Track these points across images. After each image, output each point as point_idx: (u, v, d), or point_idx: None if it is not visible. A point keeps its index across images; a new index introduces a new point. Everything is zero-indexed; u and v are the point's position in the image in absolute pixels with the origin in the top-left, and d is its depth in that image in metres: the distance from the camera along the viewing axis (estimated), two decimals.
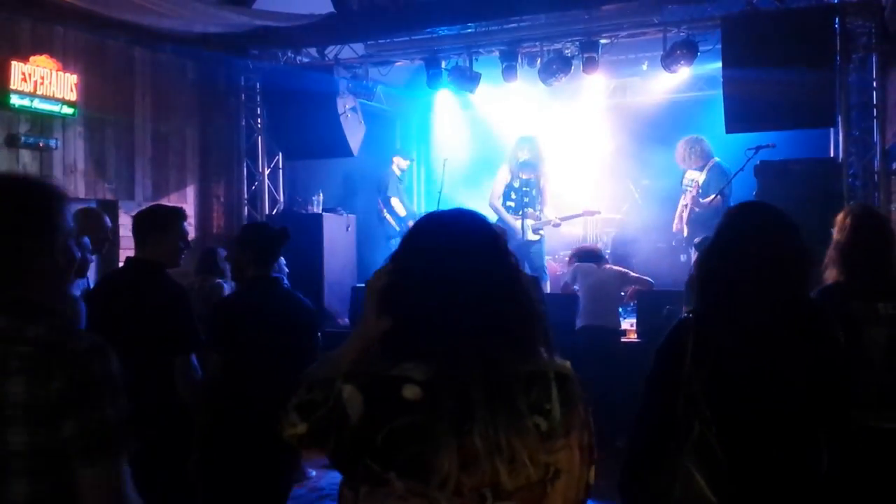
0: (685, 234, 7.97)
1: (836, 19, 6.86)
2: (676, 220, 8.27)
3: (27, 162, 6.85)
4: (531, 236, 8.19)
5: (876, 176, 6.89)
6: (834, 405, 2.09)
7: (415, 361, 1.38)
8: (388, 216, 9.49)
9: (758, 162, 7.09)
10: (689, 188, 7.97)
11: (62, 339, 1.63)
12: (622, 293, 7.07)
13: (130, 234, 3.75)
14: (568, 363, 1.50)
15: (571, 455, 1.43)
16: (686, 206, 7.97)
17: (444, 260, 1.46)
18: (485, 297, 1.43)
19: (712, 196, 7.59)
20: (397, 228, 9.29)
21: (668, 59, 7.48)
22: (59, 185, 1.84)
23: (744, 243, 2.15)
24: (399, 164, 9.57)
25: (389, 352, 1.45)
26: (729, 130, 7.23)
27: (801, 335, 2.07)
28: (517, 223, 8.19)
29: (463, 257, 1.46)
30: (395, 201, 9.32)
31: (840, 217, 3.07)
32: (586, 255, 6.93)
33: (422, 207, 10.93)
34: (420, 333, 1.42)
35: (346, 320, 7.96)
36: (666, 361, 2.12)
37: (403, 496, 1.32)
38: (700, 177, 7.88)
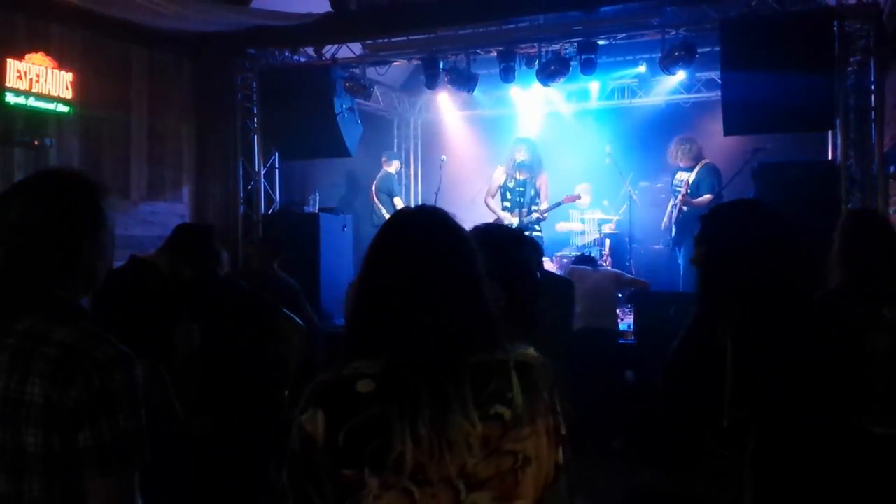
0: (673, 233, 8.01)
1: (835, 22, 6.85)
2: (666, 219, 8.31)
3: (22, 160, 6.80)
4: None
5: (874, 179, 6.88)
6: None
7: (365, 359, 1.39)
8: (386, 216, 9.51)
9: (756, 164, 7.10)
10: (678, 188, 7.98)
11: (89, 346, 1.60)
12: (619, 294, 7.09)
13: (126, 232, 3.73)
14: (531, 349, 1.50)
15: (539, 441, 1.44)
16: (675, 205, 7.99)
17: (398, 259, 1.46)
18: (440, 296, 1.43)
19: (705, 196, 7.60)
20: None
21: (667, 61, 7.48)
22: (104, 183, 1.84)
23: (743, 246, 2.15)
24: (395, 166, 9.56)
25: (342, 355, 1.45)
26: (727, 133, 7.23)
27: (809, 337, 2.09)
28: (514, 219, 8.20)
29: (415, 252, 1.46)
30: (397, 200, 9.34)
31: (841, 221, 3.05)
32: (580, 260, 7.06)
33: None
34: (371, 332, 1.43)
35: (342, 320, 7.94)
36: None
37: (378, 494, 1.32)
38: (690, 177, 7.90)
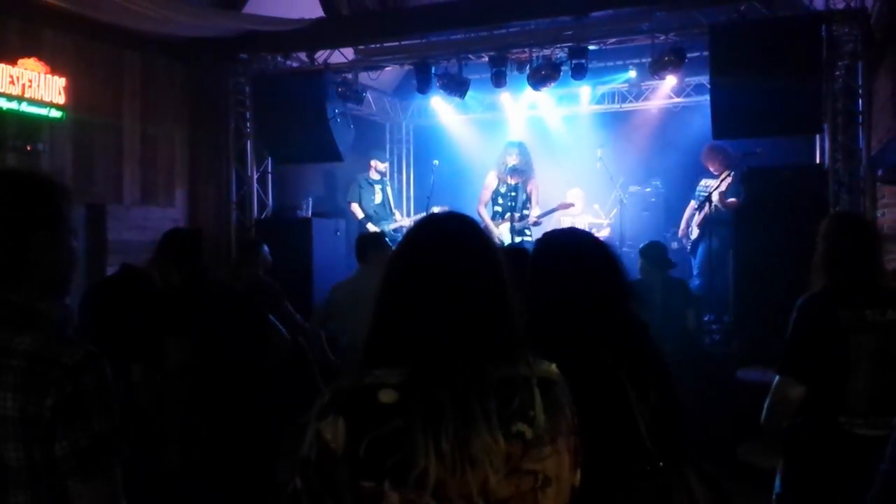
0: (693, 236, 8.06)
1: (823, 27, 6.91)
2: (683, 225, 8.33)
3: (14, 166, 6.80)
4: (516, 239, 8.21)
5: (861, 182, 6.94)
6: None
7: (387, 367, 1.35)
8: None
9: (745, 168, 7.15)
10: (703, 193, 7.99)
11: (56, 352, 1.58)
12: None
13: (119, 238, 3.76)
14: (553, 366, 1.47)
15: (560, 461, 1.41)
16: (696, 210, 8.00)
17: (423, 266, 1.43)
18: (464, 303, 1.40)
19: (731, 199, 7.65)
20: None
21: (656, 66, 7.53)
22: (64, 183, 1.79)
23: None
24: (376, 166, 9.49)
25: (362, 362, 1.41)
26: (716, 137, 7.28)
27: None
28: (500, 228, 8.23)
29: (444, 261, 1.42)
30: (354, 206, 9.30)
31: (824, 224, 3.09)
32: None
33: (411, 212, 10.94)
34: (394, 340, 1.39)
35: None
36: None
37: None
38: (718, 184, 7.90)
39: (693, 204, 8.24)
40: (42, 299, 1.71)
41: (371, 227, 8.92)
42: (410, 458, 1.27)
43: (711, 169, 8.06)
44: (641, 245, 6.25)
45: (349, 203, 9.30)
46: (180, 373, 3.52)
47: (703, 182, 8.07)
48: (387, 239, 6.50)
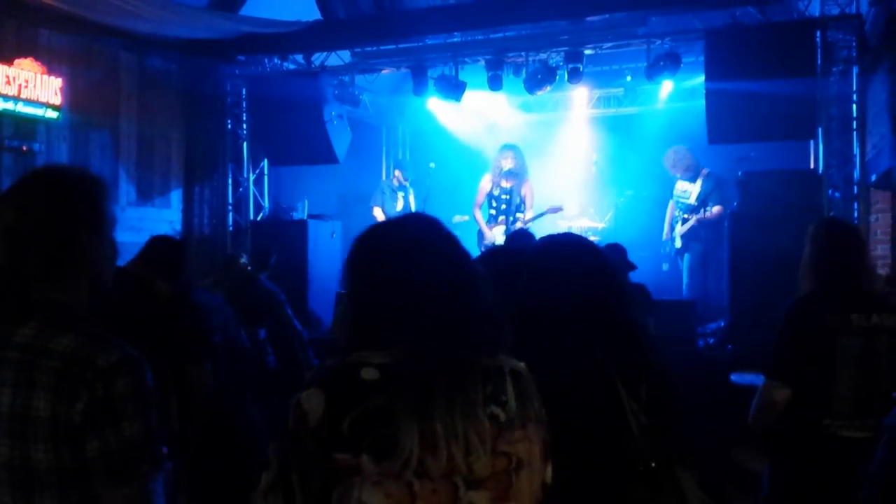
0: (677, 245, 8.03)
1: (818, 32, 6.94)
2: (667, 229, 8.34)
3: (10, 166, 6.81)
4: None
5: (856, 187, 6.97)
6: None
7: (375, 349, 1.42)
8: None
9: (739, 173, 7.17)
10: (682, 199, 8.01)
11: (92, 353, 1.56)
12: None
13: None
14: (522, 364, 1.53)
15: (531, 448, 1.47)
16: (678, 215, 8.02)
17: (404, 263, 1.49)
18: (445, 299, 1.46)
19: (716, 208, 7.65)
20: None
21: (652, 71, 7.56)
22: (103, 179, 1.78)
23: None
24: (399, 175, 9.56)
25: (348, 346, 1.47)
26: (711, 141, 7.31)
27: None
28: (493, 231, 8.25)
29: (422, 260, 1.50)
30: (376, 210, 9.34)
31: (812, 229, 3.11)
32: None
33: None
34: (380, 329, 1.45)
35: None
36: None
37: (378, 480, 1.33)
38: (694, 188, 7.93)
39: (672, 205, 8.25)
40: (89, 297, 1.70)
41: None
42: (393, 435, 1.32)
43: (680, 174, 8.06)
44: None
45: (372, 207, 9.35)
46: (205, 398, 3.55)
47: (680, 186, 8.08)
48: None
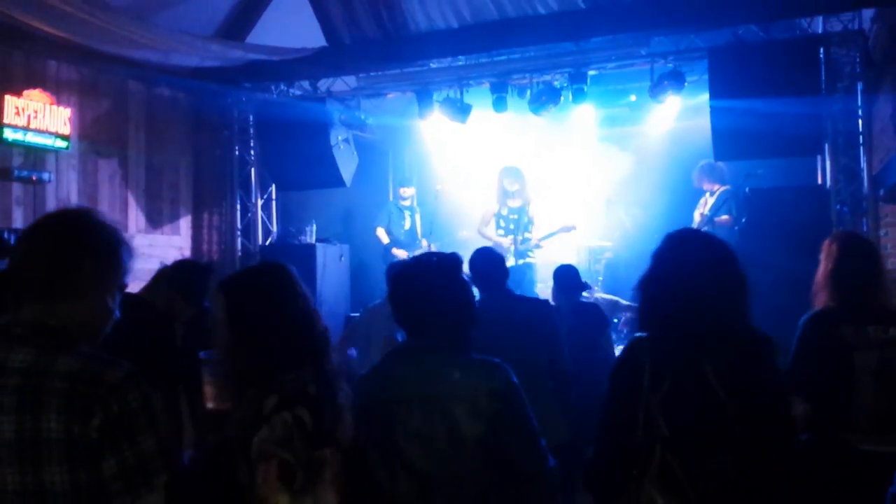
0: None
1: (821, 49, 6.97)
2: None
3: (20, 195, 6.86)
4: (518, 261, 8.22)
5: (864, 202, 6.95)
6: (774, 428, 2.08)
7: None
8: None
9: (747, 189, 7.17)
10: (699, 209, 8.04)
11: (97, 371, 1.58)
12: (615, 320, 7.12)
13: None
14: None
15: None
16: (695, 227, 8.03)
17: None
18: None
19: (723, 217, 7.66)
20: (384, 257, 9.30)
21: (656, 90, 7.58)
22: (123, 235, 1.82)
23: (680, 272, 2.20)
24: (402, 192, 9.57)
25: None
26: (718, 158, 7.33)
27: (737, 361, 2.08)
28: (508, 242, 8.24)
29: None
30: (379, 231, 9.35)
31: (827, 243, 3.11)
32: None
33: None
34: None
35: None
36: (623, 381, 2.16)
37: None
38: (710, 200, 7.97)
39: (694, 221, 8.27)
40: (91, 328, 1.71)
41: (397, 253, 8.94)
42: None
43: (705, 188, 8.10)
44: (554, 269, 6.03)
45: (375, 228, 9.36)
46: None
47: (702, 201, 8.11)
48: None
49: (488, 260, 4.20)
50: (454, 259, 2.45)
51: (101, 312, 1.73)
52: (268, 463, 1.84)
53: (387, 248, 9.24)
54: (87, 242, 1.70)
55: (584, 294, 6.21)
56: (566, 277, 5.53)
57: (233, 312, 2.01)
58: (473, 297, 2.46)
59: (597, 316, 5.66)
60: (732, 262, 2.22)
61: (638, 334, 2.23)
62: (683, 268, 2.18)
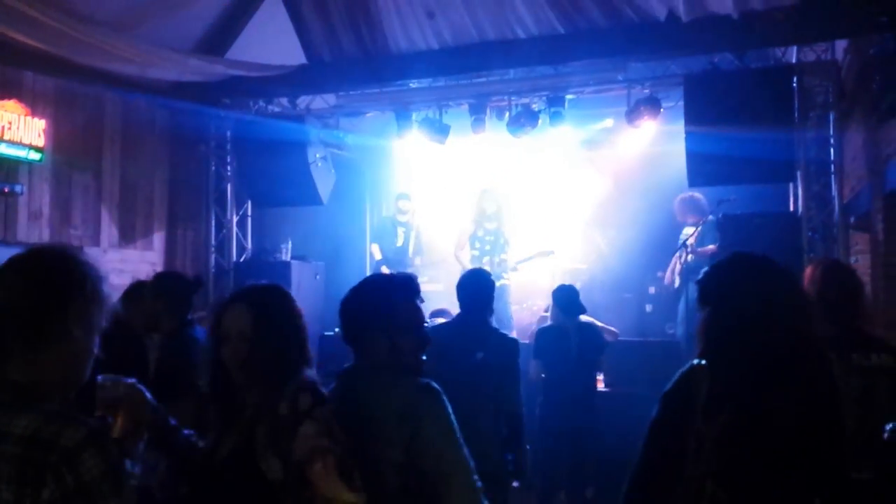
0: (676, 285, 8.07)
1: (795, 78, 7.08)
2: (668, 273, 8.36)
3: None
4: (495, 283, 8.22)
5: (835, 230, 7.05)
6: (830, 459, 2.03)
7: None
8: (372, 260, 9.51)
9: (720, 215, 7.24)
10: (683, 241, 8.06)
11: (53, 433, 1.41)
12: None
13: None
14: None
15: None
16: (680, 258, 8.03)
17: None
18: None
19: (709, 247, 7.69)
20: (367, 273, 9.27)
21: (633, 115, 7.66)
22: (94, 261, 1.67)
23: (743, 294, 2.11)
24: (400, 206, 9.47)
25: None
26: (692, 184, 7.40)
27: (802, 402, 2.01)
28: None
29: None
30: (373, 247, 9.33)
31: (809, 270, 3.14)
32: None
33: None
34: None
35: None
36: (675, 408, 2.07)
37: None
38: (695, 231, 7.98)
39: (675, 256, 8.31)
40: (65, 382, 1.58)
41: (385, 271, 8.87)
42: None
43: (687, 220, 8.16)
44: (554, 289, 6.07)
45: (371, 244, 9.32)
46: None
47: (685, 231, 8.15)
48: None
49: (473, 284, 4.22)
50: (405, 282, 2.46)
51: (81, 359, 1.60)
52: (323, 458, 1.85)
53: (377, 265, 9.19)
54: (70, 285, 1.57)
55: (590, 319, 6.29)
56: (567, 298, 5.72)
57: (262, 323, 2.13)
58: (420, 321, 2.42)
59: (598, 336, 5.84)
60: (801, 292, 2.17)
61: (696, 361, 2.12)
62: (752, 295, 2.09)
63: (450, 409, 2.26)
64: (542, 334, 5.87)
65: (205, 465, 2.14)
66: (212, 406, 2.25)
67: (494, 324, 4.49)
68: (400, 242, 9.33)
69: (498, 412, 4.07)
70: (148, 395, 2.15)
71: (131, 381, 2.12)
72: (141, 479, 2.77)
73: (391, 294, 2.40)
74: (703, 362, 2.10)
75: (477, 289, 4.21)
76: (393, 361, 2.32)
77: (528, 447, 4.23)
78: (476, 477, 2.26)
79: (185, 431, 2.27)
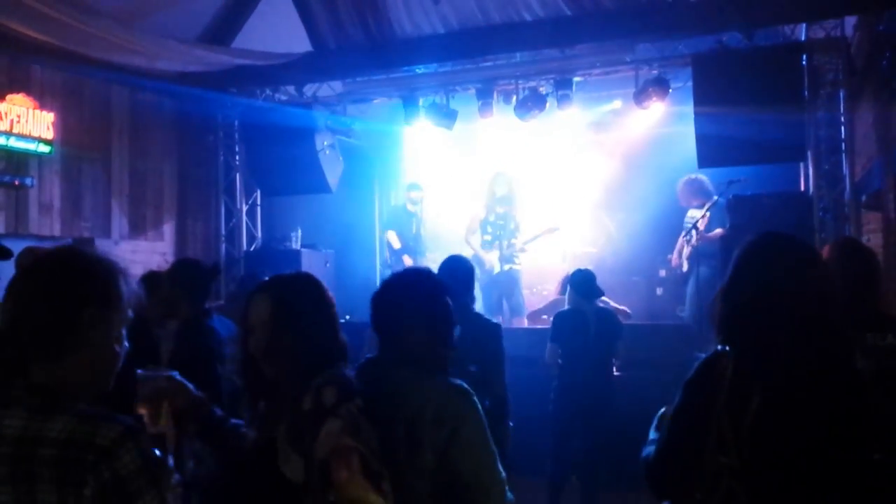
0: (684, 268, 8.02)
1: (804, 56, 7.02)
2: (675, 256, 8.31)
3: (1, 200, 6.81)
4: (505, 267, 8.23)
5: (846, 209, 7.01)
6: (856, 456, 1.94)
7: None
8: (386, 248, 9.46)
9: (730, 196, 7.20)
10: (689, 225, 8.00)
11: (88, 433, 1.44)
12: None
13: None
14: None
15: None
16: (687, 241, 7.96)
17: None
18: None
19: (716, 230, 7.63)
20: (388, 261, 9.25)
21: (641, 96, 7.61)
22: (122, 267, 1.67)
23: (775, 277, 2.01)
24: (410, 196, 9.44)
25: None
26: (701, 165, 7.35)
27: (833, 398, 1.93)
28: (490, 256, 8.27)
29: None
30: (390, 234, 9.30)
31: (826, 250, 3.11)
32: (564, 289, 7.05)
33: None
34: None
35: None
36: (696, 396, 1.98)
37: None
38: (702, 214, 7.91)
39: (681, 238, 8.26)
40: (90, 384, 1.59)
41: (406, 260, 8.86)
42: None
43: (691, 203, 8.09)
44: (570, 273, 6.05)
45: (386, 231, 9.28)
46: None
47: (690, 214, 8.09)
48: None
49: (453, 269, 4.21)
50: (442, 280, 2.45)
51: (105, 359, 1.60)
52: (348, 458, 1.77)
53: (396, 254, 9.13)
54: (83, 290, 1.56)
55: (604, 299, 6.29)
56: (585, 283, 5.71)
57: (281, 312, 2.08)
58: (451, 318, 2.36)
59: (615, 321, 5.84)
60: (830, 276, 2.05)
61: (720, 347, 2.01)
62: (779, 278, 1.98)
63: (483, 413, 2.20)
64: (560, 318, 5.86)
65: (231, 461, 2.11)
66: (246, 399, 2.22)
67: (498, 313, 4.48)
68: (414, 231, 9.32)
69: (482, 395, 4.06)
70: (190, 386, 2.15)
71: (172, 373, 2.12)
72: (193, 472, 2.80)
73: (436, 287, 2.37)
74: (727, 349, 2.00)
75: (457, 274, 4.18)
76: (423, 355, 2.25)
77: (510, 424, 4.19)
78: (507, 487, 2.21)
79: (234, 421, 2.25)
